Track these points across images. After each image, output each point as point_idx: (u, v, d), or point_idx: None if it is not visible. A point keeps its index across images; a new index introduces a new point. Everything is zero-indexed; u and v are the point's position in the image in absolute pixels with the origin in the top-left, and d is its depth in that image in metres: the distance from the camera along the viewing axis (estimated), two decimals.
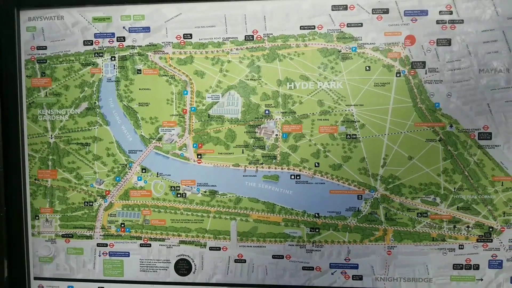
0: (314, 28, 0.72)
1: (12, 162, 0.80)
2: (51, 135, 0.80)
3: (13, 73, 0.79)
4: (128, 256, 0.80)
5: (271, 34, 0.73)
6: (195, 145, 0.77)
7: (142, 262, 0.80)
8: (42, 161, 0.80)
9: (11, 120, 0.80)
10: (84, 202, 0.80)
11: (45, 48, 0.79)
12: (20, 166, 0.80)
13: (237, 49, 0.74)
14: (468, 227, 0.72)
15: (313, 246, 0.76)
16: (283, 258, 0.77)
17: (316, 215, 0.76)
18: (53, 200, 0.81)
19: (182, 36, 0.76)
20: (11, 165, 0.80)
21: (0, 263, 0.82)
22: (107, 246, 0.80)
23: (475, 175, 0.71)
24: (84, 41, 0.78)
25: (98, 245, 0.80)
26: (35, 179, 0.81)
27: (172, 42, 0.76)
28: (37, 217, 0.82)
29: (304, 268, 0.77)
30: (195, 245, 0.78)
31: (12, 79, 0.79)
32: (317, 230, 0.76)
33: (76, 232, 0.81)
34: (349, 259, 0.76)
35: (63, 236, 0.81)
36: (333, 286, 0.76)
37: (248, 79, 0.75)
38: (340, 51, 0.71)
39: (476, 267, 0.73)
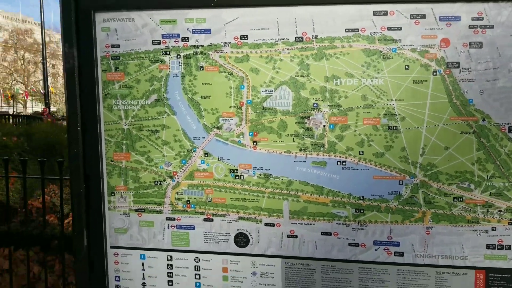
0: (358, 31, 1.22)
1: (91, 146, 1.44)
2: (125, 123, 1.42)
3: (91, 68, 1.41)
4: (193, 229, 1.42)
5: (319, 36, 1.25)
6: (251, 133, 1.34)
7: (206, 234, 1.41)
8: (117, 145, 1.43)
9: (89, 109, 1.43)
10: (155, 181, 1.43)
11: (118, 46, 1.39)
12: (98, 149, 1.44)
13: (288, 49, 1.27)
14: (500, 211, 1.21)
15: (358, 225, 1.31)
16: (331, 235, 1.33)
17: (361, 197, 1.30)
18: (127, 179, 1.45)
19: (239, 37, 1.30)
20: (90, 148, 1.44)
21: (80, 233, 1.49)
22: (174, 220, 1.43)
23: (506, 165, 1.19)
24: (152, 40, 1.36)
25: (167, 219, 1.43)
26: (111, 161, 1.45)
27: (230, 43, 1.31)
28: (113, 194, 1.47)
29: (350, 244, 1.32)
30: (252, 221, 1.37)
31: (90, 73, 1.41)
32: (362, 211, 1.30)
33: (148, 207, 1.44)
34: (391, 237, 1.30)
35: (136, 210, 1.45)
36: (377, 261, 1.31)
37: (298, 76, 1.28)
38: (381, 52, 1.21)
39: (508, 247, 1.23)
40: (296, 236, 1.35)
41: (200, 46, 1.33)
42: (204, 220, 1.41)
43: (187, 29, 1.33)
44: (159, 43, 1.36)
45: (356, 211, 1.31)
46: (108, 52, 1.40)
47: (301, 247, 1.36)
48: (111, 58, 1.40)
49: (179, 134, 1.39)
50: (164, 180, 1.42)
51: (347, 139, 1.27)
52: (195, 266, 1.43)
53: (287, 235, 1.36)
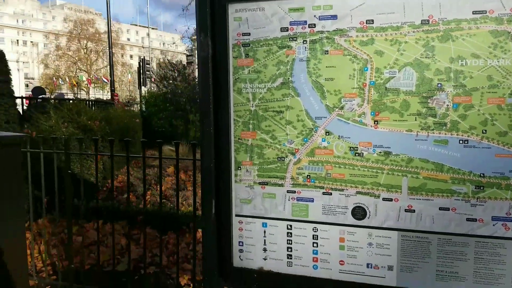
0: (486, 13, 1.31)
1: (221, 125, 1.66)
2: (252, 104, 1.62)
3: (224, 55, 1.61)
4: (313, 201, 1.60)
5: (445, 18, 1.35)
6: (372, 113, 1.48)
7: (324, 207, 1.58)
8: (244, 124, 1.64)
9: (222, 92, 1.64)
10: (277, 157, 1.61)
11: (248, 34, 1.58)
12: (228, 128, 1.65)
13: (413, 31, 1.39)
14: None
15: (477, 201, 1.42)
16: (449, 210, 1.45)
17: (482, 175, 1.40)
18: (253, 155, 1.65)
19: (364, 22, 1.44)
20: (221, 127, 1.66)
21: (209, 202, 1.72)
22: (295, 193, 1.61)
23: None
24: (281, 28, 1.54)
25: (288, 191, 1.62)
26: (238, 139, 1.65)
27: (355, 27, 1.45)
28: (239, 168, 1.68)
29: (468, 220, 1.43)
30: (370, 196, 1.52)
31: (223, 60, 1.62)
32: (481, 188, 1.41)
33: (270, 181, 1.64)
34: (510, 214, 1.39)
35: (259, 183, 1.65)
36: (494, 236, 1.42)
37: (423, 57, 1.40)
38: (509, 33, 1.29)
39: None
40: (413, 211, 1.48)
41: (326, 31, 1.49)
42: (323, 194, 1.58)
43: (314, 16, 1.49)
44: (287, 30, 1.53)
45: (476, 188, 1.41)
46: (239, 40, 1.60)
47: (418, 221, 1.48)
48: (242, 45, 1.59)
49: (302, 115, 1.56)
50: (286, 157, 1.60)
51: (470, 118, 1.38)
52: (313, 235, 1.61)
53: (405, 209, 1.49)
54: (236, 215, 1.71)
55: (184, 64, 15.14)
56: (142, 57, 22.66)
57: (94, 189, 4.93)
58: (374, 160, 1.50)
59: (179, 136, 10.25)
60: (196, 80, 13.99)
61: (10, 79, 3.99)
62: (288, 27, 1.53)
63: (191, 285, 3.65)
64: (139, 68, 21.02)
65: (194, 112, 11.23)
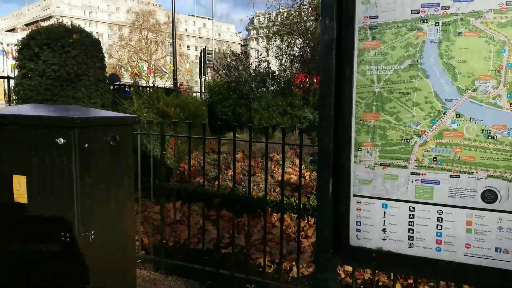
0: None
1: (343, 106, 1.70)
2: (376, 86, 1.64)
3: (350, 38, 1.65)
4: (438, 184, 1.60)
5: None
6: (508, 95, 1.46)
7: (451, 189, 1.59)
8: (367, 106, 1.67)
9: (345, 74, 1.67)
10: (402, 139, 1.63)
11: (376, 17, 1.61)
12: (349, 110, 1.69)
13: None
14: None
15: None
16: None
17: None
18: (375, 136, 1.68)
19: (504, 3, 1.42)
20: (342, 108, 1.70)
21: (327, 182, 1.77)
22: (419, 175, 1.63)
23: None
24: (411, 10, 1.55)
25: (412, 173, 1.64)
26: (360, 120, 1.69)
27: (493, 9, 1.44)
28: (359, 149, 1.71)
29: None
30: (502, 179, 1.51)
31: (349, 42, 1.65)
32: None
33: (393, 162, 1.66)
34: None
35: (381, 164, 1.68)
36: None
37: None
38: None
39: None
40: None
41: (461, 13, 1.48)
42: (450, 176, 1.58)
43: None
44: (418, 13, 1.54)
45: None
46: (366, 23, 1.63)
47: None
48: (369, 28, 1.62)
49: (430, 96, 1.56)
50: (412, 138, 1.62)
51: None
52: (437, 217, 1.62)
53: None
54: (354, 195, 1.75)
55: (246, 54, 15.30)
56: (204, 47, 23.17)
57: (169, 171, 5.17)
58: (508, 143, 1.48)
59: (243, 123, 10.43)
60: (257, 69, 14.11)
61: (105, 66, 4.26)
62: (419, 10, 1.54)
63: (272, 266, 3.76)
64: (200, 58, 21.55)
65: (256, 100, 11.34)
